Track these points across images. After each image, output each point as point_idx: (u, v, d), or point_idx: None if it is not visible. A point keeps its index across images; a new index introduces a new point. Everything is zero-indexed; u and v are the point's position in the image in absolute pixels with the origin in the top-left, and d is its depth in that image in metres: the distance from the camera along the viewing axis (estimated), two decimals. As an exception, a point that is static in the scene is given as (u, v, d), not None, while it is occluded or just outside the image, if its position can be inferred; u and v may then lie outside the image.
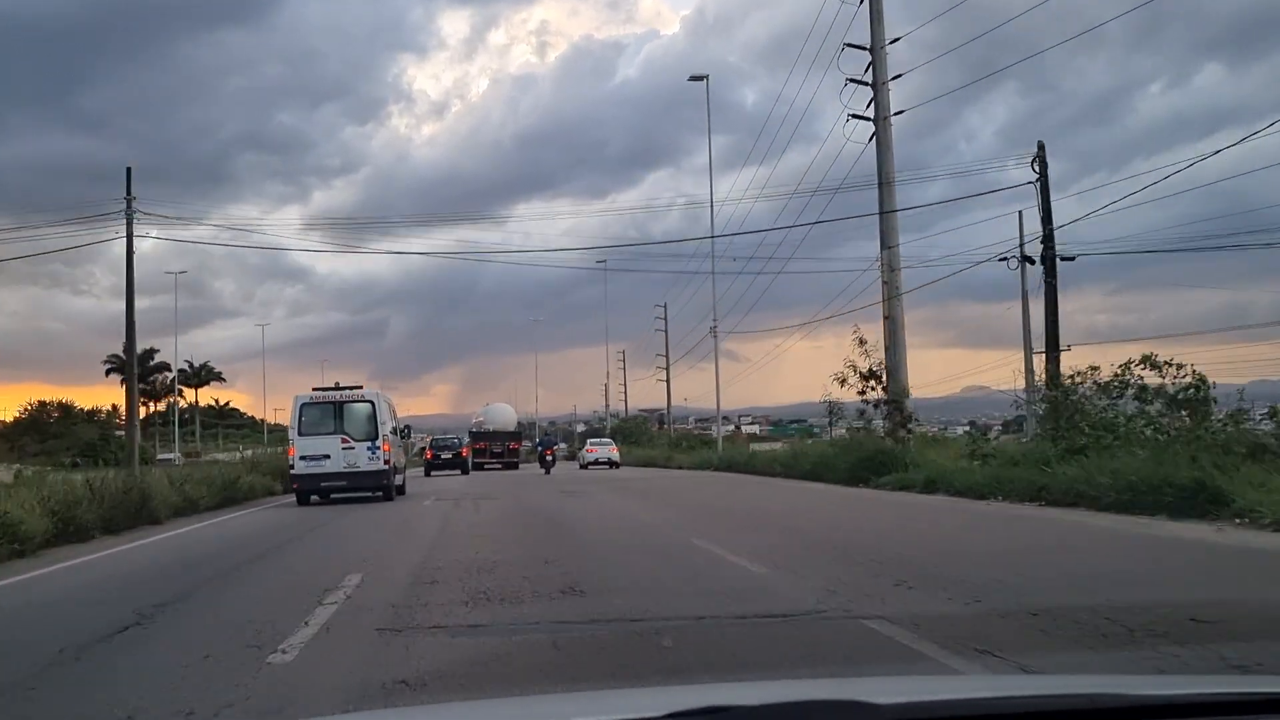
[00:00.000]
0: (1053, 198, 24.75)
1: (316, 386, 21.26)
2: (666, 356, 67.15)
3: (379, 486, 20.64)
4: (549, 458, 38.78)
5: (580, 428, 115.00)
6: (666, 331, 66.65)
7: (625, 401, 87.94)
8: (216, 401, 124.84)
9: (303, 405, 20.74)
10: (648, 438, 74.51)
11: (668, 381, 68.59)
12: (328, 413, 20.78)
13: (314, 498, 20.99)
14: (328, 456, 20.38)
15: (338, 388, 21.33)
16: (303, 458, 20.37)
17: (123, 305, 32.78)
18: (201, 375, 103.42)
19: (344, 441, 20.49)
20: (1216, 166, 51.39)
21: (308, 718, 4.20)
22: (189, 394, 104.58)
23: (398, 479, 22.26)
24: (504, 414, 53.92)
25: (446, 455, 41.96)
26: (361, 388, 21.48)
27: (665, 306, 66.07)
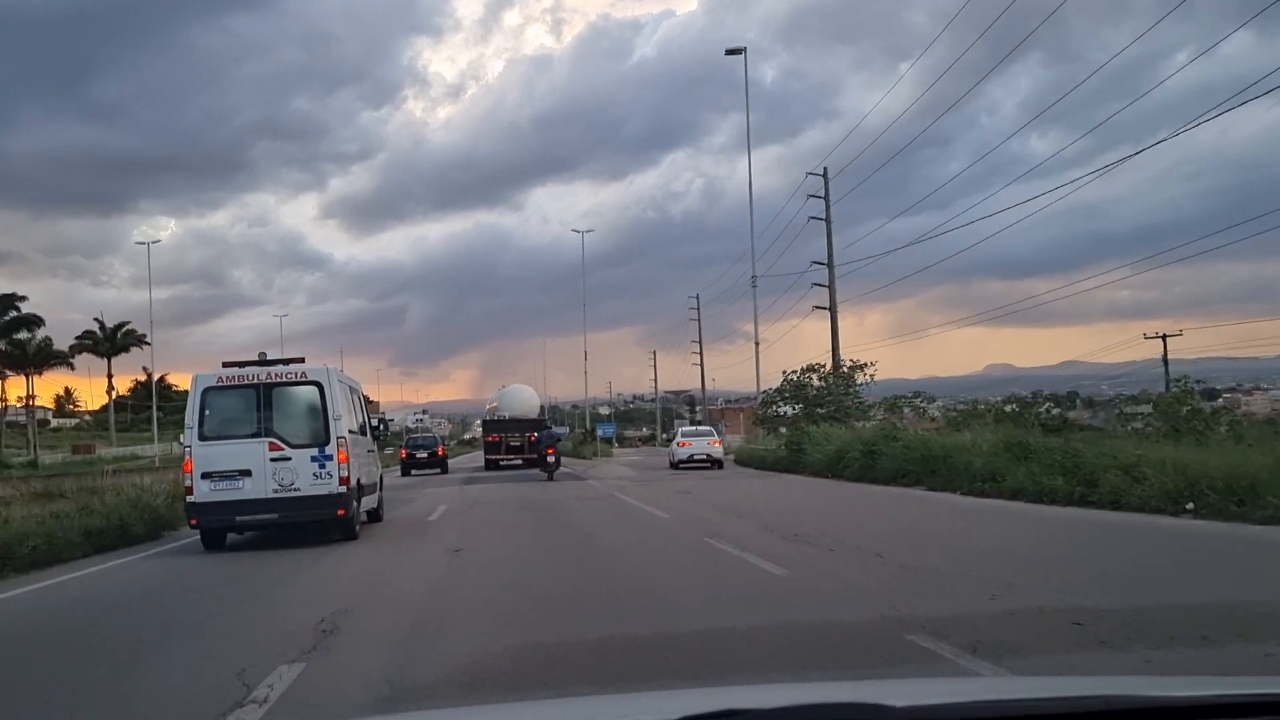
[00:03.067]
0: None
1: (229, 361, 13.42)
2: (830, 259, 35.70)
3: (331, 519, 12.85)
4: (550, 458, 29.42)
5: (605, 410, 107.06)
6: (828, 217, 35.74)
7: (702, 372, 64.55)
8: (149, 375, 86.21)
9: (206, 391, 12.90)
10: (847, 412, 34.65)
11: (831, 309, 35.68)
12: (247, 403, 12.95)
13: (231, 535, 13.39)
14: (248, 474, 12.59)
15: (264, 361, 13.45)
16: (207, 476, 12.58)
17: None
18: (116, 340, 71.10)
19: (273, 448, 12.69)
20: (1241, 138, 43.67)
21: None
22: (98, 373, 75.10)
23: (366, 503, 14.47)
24: (523, 398, 43.12)
25: (422, 455, 39.48)
26: (302, 361, 13.60)
27: (825, 173, 36.06)
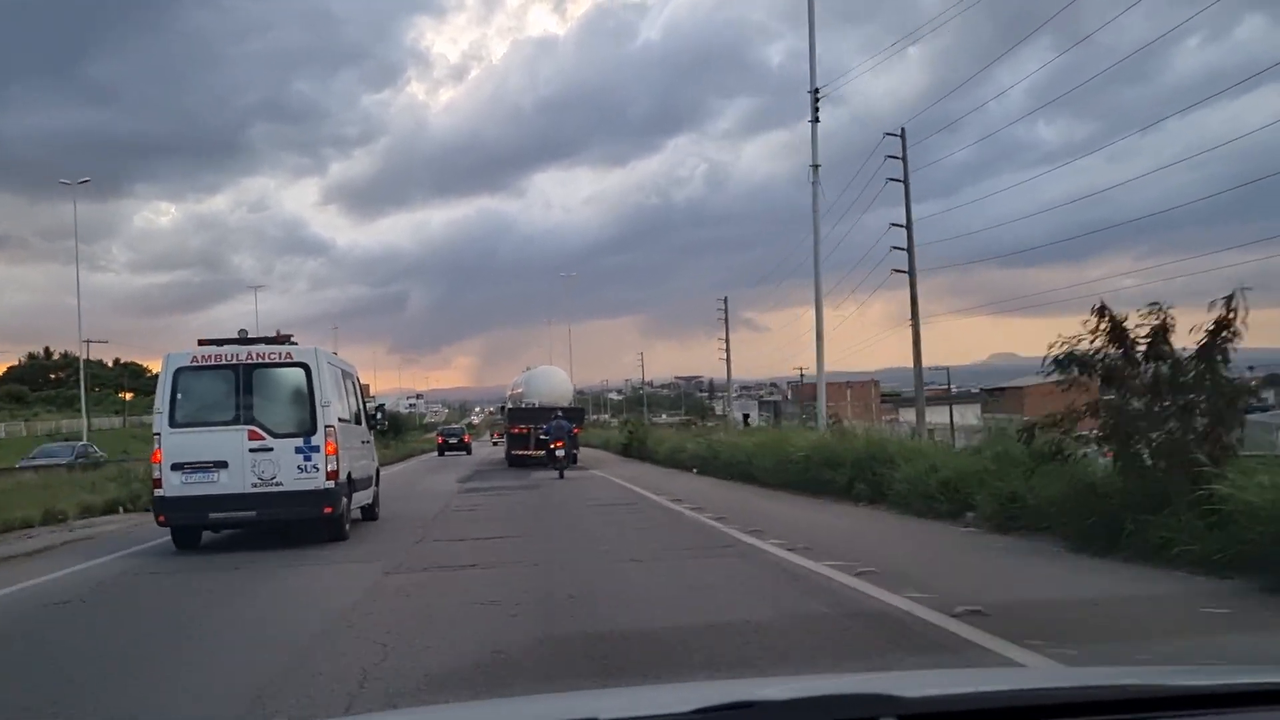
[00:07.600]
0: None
1: (205, 339, 11.98)
2: (909, 221, 28.16)
3: (318, 517, 11.44)
4: (559, 451, 25.23)
5: (614, 396, 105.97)
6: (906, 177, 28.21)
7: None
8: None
9: (178, 371, 11.48)
10: None
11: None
12: (225, 386, 11.55)
13: (206, 534, 12.03)
14: (224, 465, 11.20)
15: (245, 339, 12.01)
16: (178, 467, 11.18)
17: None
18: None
19: (253, 437, 11.28)
20: (1255, 124, 44.40)
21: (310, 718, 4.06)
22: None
23: (359, 499, 13.02)
24: (552, 382, 36.58)
25: (453, 440, 52.70)
26: (290, 339, 12.14)
27: (903, 134, 28.35)
